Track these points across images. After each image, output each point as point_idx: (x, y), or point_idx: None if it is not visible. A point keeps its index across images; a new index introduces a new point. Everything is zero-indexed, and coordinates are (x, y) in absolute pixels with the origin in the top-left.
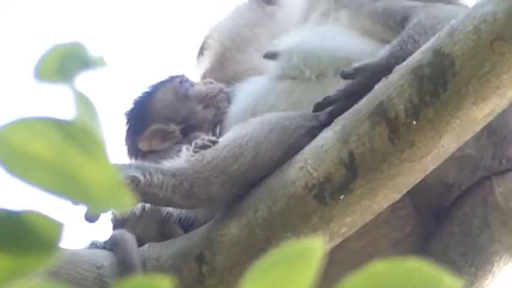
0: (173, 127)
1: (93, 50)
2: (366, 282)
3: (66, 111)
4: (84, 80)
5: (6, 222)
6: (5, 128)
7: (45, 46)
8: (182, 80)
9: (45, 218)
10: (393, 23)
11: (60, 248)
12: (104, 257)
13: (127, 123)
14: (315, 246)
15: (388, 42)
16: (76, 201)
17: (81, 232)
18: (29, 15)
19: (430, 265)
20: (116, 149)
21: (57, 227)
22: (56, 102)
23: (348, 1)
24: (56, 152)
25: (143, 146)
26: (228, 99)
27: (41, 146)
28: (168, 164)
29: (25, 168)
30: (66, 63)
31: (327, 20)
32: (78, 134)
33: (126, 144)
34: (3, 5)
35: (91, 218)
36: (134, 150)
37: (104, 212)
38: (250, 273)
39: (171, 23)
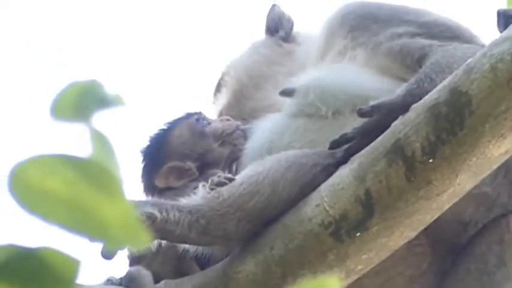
0: (190, 164)
1: (110, 88)
2: None
3: (83, 148)
4: (100, 117)
5: (23, 259)
6: (22, 165)
7: (45, 46)
8: (199, 117)
9: (62, 254)
10: (410, 61)
11: (76, 284)
12: None
13: (143, 160)
14: (331, 284)
15: (404, 80)
16: (92, 238)
17: (98, 268)
18: (29, 15)
19: None
20: (133, 185)
21: (74, 264)
22: (73, 139)
23: (365, 39)
24: (72, 189)
25: (160, 183)
26: (245, 137)
27: (57, 183)
28: (185, 201)
29: (41, 205)
30: (83, 102)
31: (344, 58)
32: (94, 172)
33: (143, 181)
34: (3, 5)
35: (107, 254)
36: (151, 187)
37: (121, 249)
38: None
39: (189, 59)
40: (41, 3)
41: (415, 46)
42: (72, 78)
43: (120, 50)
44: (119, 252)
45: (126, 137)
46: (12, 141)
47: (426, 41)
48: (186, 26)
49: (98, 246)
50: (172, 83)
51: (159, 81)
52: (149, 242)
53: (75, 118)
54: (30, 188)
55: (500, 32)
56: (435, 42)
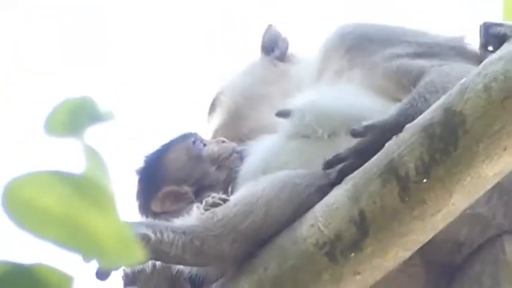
0: (186, 189)
1: (102, 104)
2: None
3: (76, 165)
4: (94, 134)
5: (17, 275)
6: (15, 181)
7: (45, 51)
8: (195, 139)
9: (55, 271)
10: (407, 81)
11: None
12: None
13: (139, 182)
14: None
15: (400, 101)
16: (86, 255)
17: None
18: (29, 16)
19: None
20: (125, 202)
21: (67, 280)
22: (66, 155)
23: (362, 60)
24: (65, 205)
25: (156, 207)
26: (241, 158)
27: (51, 200)
28: (179, 221)
29: (34, 221)
30: (75, 117)
31: (340, 79)
32: (87, 188)
33: (138, 203)
34: (3, 7)
35: (102, 274)
36: (146, 210)
37: (115, 268)
38: None
39: (183, 77)
40: (41, 4)
41: (413, 66)
42: (68, 89)
43: (130, 102)
44: (114, 273)
45: (121, 153)
46: (6, 157)
47: (426, 61)
48: (182, 45)
49: (93, 267)
50: (169, 100)
51: (156, 98)
52: (143, 260)
53: (68, 134)
54: (24, 203)
55: (481, 44)
56: (435, 62)
